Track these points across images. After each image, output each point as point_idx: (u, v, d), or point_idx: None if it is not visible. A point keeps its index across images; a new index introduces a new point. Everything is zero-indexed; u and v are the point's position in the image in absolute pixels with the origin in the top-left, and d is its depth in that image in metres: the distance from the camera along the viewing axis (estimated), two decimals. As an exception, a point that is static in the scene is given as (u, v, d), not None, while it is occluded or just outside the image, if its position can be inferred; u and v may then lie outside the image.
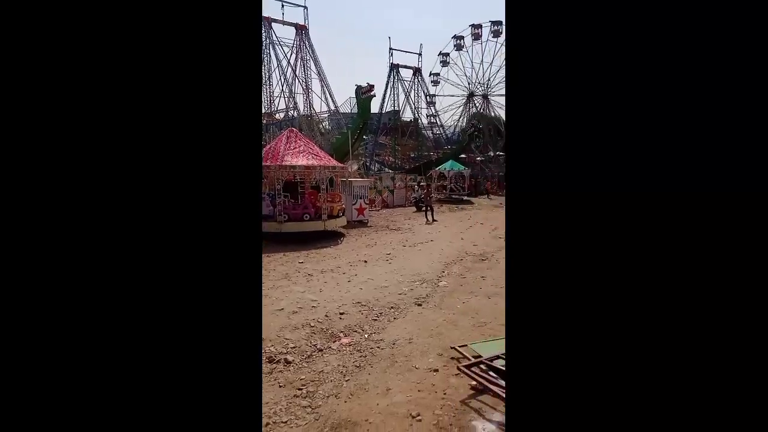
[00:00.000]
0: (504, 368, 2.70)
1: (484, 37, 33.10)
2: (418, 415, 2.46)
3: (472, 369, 2.74)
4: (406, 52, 32.04)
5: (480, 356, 2.98)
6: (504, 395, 2.35)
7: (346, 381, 2.94)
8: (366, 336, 3.81)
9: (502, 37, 32.50)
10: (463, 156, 26.86)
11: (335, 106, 25.34)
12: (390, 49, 29.11)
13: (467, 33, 33.16)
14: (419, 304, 4.71)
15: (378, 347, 3.53)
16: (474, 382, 2.66)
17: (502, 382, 2.54)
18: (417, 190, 16.85)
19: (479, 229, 10.80)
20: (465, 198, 19.48)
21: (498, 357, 2.84)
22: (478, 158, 30.76)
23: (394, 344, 3.58)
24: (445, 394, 2.69)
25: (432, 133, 32.77)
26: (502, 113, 35.59)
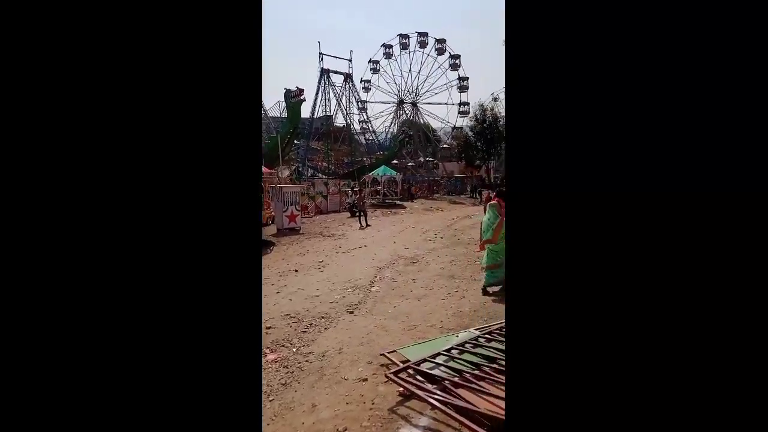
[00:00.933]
0: (430, 371, 2.73)
1: (411, 47, 34.30)
2: (345, 429, 2.37)
3: (400, 375, 2.72)
4: (337, 57, 31.95)
5: (408, 360, 2.98)
6: (430, 399, 2.36)
7: (270, 401, 2.75)
8: (294, 350, 3.62)
9: (428, 48, 34.04)
10: (395, 162, 27.42)
11: (263, 110, 24.36)
12: (320, 54, 28.83)
13: (395, 42, 34.11)
14: (351, 312, 4.63)
15: (306, 361, 3.38)
16: (401, 389, 2.65)
17: (429, 386, 2.56)
18: (351, 196, 16.80)
19: (411, 233, 11.06)
20: (398, 202, 19.89)
21: (425, 360, 2.87)
22: (410, 164, 31.62)
23: (323, 356, 3.45)
24: (373, 404, 2.63)
25: (365, 138, 33.02)
26: (431, 120, 37.14)
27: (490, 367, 2.70)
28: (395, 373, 2.75)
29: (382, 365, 3.17)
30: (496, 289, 5.15)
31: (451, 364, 2.84)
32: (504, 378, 2.55)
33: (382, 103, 36.26)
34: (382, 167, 21.52)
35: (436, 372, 2.73)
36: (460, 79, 34.82)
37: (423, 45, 33.90)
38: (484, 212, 5.95)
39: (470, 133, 35.70)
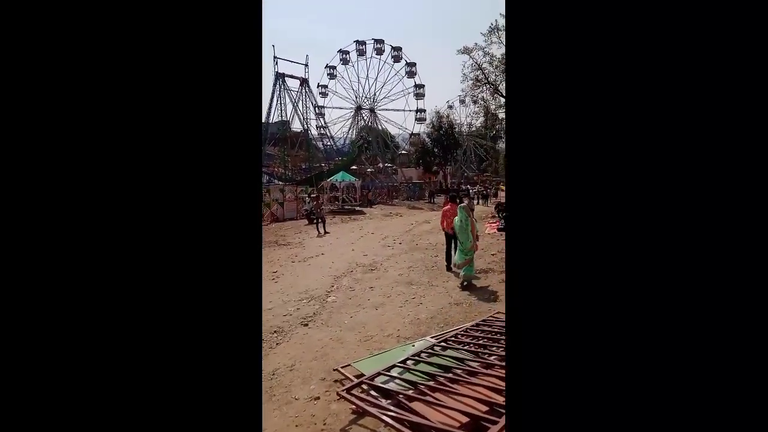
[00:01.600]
0: (384, 385, 2.64)
1: (368, 54, 34.52)
2: (294, 456, 2.21)
3: (353, 391, 2.60)
4: (292, 62, 31.39)
5: (363, 375, 2.87)
6: (383, 416, 2.26)
7: (212, 430, 2.52)
8: (242, 370, 3.38)
9: (385, 55, 34.43)
10: (354, 167, 27.30)
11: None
12: (274, 57, 28.17)
13: (352, 48, 34.17)
14: (305, 324, 4.44)
15: (255, 381, 3.15)
16: (354, 406, 2.53)
17: (383, 401, 2.46)
18: (308, 202, 16.44)
19: (370, 239, 10.97)
20: (357, 208, 19.76)
21: (379, 374, 2.77)
22: (369, 169, 31.64)
23: (273, 375, 3.25)
24: (324, 424, 2.49)
25: (323, 144, 32.66)
26: (388, 127, 37.49)
27: (445, 377, 2.65)
28: (348, 390, 2.62)
29: (335, 381, 3.03)
30: (465, 283, 5.61)
31: (406, 376, 2.76)
32: (457, 387, 2.51)
33: (340, 108, 36.11)
34: (341, 173, 21.33)
35: (390, 385, 2.64)
36: (416, 86, 35.51)
37: (380, 52, 34.25)
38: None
39: (427, 140, 36.46)
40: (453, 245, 6.41)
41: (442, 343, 3.28)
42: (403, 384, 2.64)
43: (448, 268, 6.48)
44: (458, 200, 6.55)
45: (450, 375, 2.69)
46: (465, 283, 5.57)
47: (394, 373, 2.80)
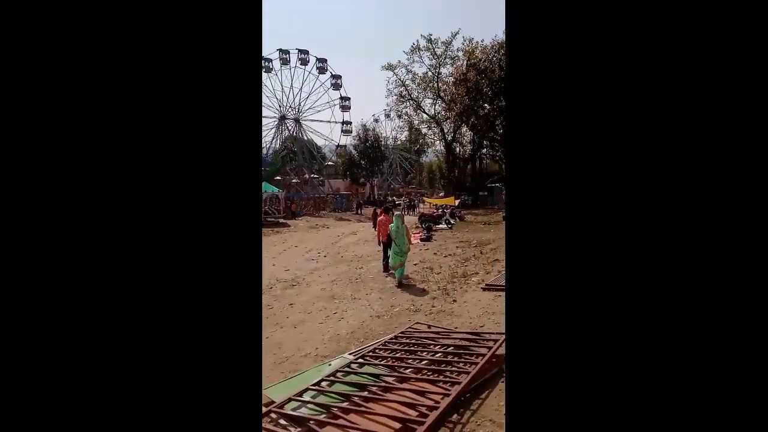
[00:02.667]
0: (295, 412, 2.46)
1: (292, 63, 33.89)
2: None
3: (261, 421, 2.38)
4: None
5: (273, 402, 2.65)
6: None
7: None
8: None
9: (310, 66, 34.16)
10: (278, 178, 26.33)
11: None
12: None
13: (275, 57, 33.28)
14: (214, 351, 4.03)
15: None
16: (261, 440, 2.30)
17: (293, 430, 2.29)
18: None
19: (293, 253, 10.57)
20: (281, 221, 19.01)
21: (290, 399, 2.59)
22: (294, 180, 30.80)
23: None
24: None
25: (244, 153, 30.99)
26: (315, 138, 37.06)
27: (360, 396, 2.56)
28: (254, 422, 2.39)
29: (243, 412, 2.76)
30: (404, 280, 6.32)
31: (319, 399, 2.61)
32: (371, 406, 2.44)
33: (264, 117, 34.80)
34: (263, 184, 20.40)
35: (302, 411, 2.48)
36: (342, 98, 35.67)
37: (304, 62, 33.83)
38: (374, 226, 7.35)
39: (354, 152, 36.74)
40: (388, 251, 7.01)
41: (360, 360, 3.20)
42: (316, 409, 2.49)
43: (385, 269, 7.06)
44: (391, 211, 7.65)
45: (365, 393, 2.61)
46: (401, 282, 6.25)
47: (306, 397, 2.63)
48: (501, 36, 18.90)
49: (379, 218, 7.75)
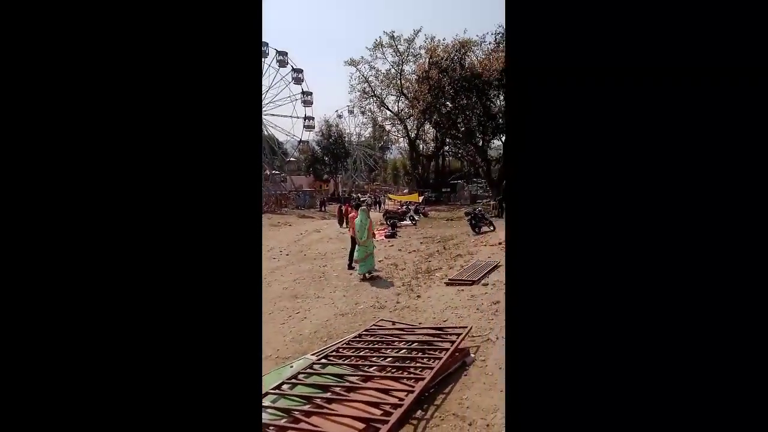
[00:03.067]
0: None
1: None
2: None
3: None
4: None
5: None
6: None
7: None
8: None
9: (269, 58, 33.11)
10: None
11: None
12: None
13: (233, 48, 31.87)
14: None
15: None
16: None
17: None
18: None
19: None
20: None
21: None
22: (255, 177, 29.75)
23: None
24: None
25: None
26: (276, 133, 36.06)
27: (323, 398, 2.49)
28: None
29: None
30: (368, 275, 6.42)
31: (280, 403, 2.52)
32: (336, 407, 2.38)
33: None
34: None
35: (263, 417, 2.36)
36: (304, 93, 34.92)
37: (263, 55, 32.77)
38: (340, 223, 8.00)
39: (317, 148, 36.15)
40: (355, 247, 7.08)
41: (323, 360, 3.12)
42: (276, 414, 2.39)
43: (350, 267, 7.05)
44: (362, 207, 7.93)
45: (328, 395, 2.55)
46: (367, 275, 6.41)
47: (266, 401, 2.52)
48: (462, 35, 19.26)
49: (351, 215, 8.09)
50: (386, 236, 10.93)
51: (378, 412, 2.30)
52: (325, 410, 2.36)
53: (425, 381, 2.55)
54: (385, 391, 2.52)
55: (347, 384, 2.67)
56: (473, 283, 5.40)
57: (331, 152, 34.62)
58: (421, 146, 31.75)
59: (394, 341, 3.41)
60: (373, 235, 7.17)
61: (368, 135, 39.90)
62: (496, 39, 18.79)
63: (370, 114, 33.82)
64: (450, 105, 19.45)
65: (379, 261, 7.71)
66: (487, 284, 5.31)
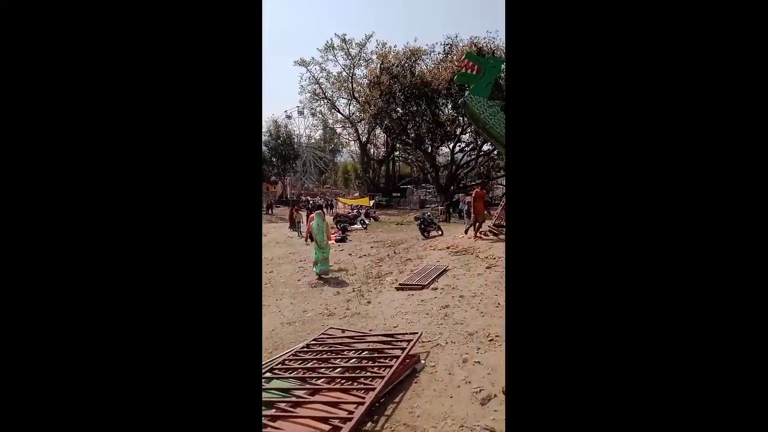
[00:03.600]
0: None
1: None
2: None
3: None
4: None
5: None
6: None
7: None
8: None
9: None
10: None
11: None
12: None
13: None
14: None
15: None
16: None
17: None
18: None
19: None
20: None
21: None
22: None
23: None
24: None
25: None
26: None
27: (267, 416, 2.32)
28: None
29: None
30: (326, 276, 6.60)
31: (218, 425, 2.30)
32: (281, 425, 2.22)
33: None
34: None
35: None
36: (251, 91, 33.55)
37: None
38: (292, 227, 8.10)
39: (265, 149, 34.88)
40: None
41: (267, 374, 2.93)
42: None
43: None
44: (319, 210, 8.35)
45: (273, 411, 2.38)
46: (322, 276, 6.56)
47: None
48: (413, 44, 19.67)
49: (309, 216, 8.77)
50: (336, 241, 10.75)
51: (326, 427, 2.19)
52: (268, 429, 2.19)
53: (376, 391, 2.48)
54: (334, 404, 2.41)
55: (293, 399, 2.52)
56: (423, 287, 5.45)
57: (280, 153, 33.57)
58: (372, 150, 31.91)
59: (343, 350, 3.30)
60: (329, 237, 7.41)
61: (318, 137, 39.29)
62: (444, 50, 19.44)
63: (320, 116, 33.38)
64: (400, 111, 19.75)
65: (329, 266, 7.55)
66: (437, 288, 5.38)
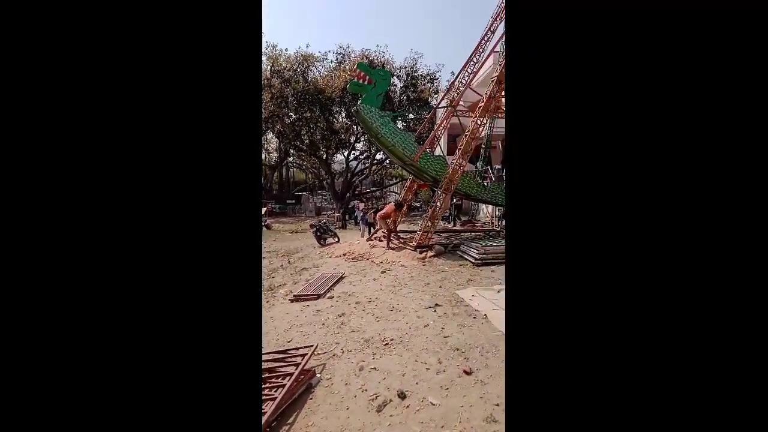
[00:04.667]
0: None
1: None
2: None
3: None
4: None
5: None
6: None
7: None
8: None
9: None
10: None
11: None
12: None
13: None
14: None
15: None
16: None
17: None
18: None
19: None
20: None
21: None
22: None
23: None
24: None
25: None
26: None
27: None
28: None
29: None
30: None
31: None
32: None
33: None
34: None
35: None
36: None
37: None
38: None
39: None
40: None
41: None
42: None
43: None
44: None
45: None
46: None
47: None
48: (305, 49, 19.40)
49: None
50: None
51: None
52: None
53: (267, 415, 2.29)
54: (218, 439, 2.14)
55: None
56: (319, 297, 5.32)
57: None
58: (264, 156, 30.36)
59: (230, 375, 2.98)
60: None
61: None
62: (337, 58, 19.63)
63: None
64: (294, 116, 19.24)
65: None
66: (333, 297, 5.31)
